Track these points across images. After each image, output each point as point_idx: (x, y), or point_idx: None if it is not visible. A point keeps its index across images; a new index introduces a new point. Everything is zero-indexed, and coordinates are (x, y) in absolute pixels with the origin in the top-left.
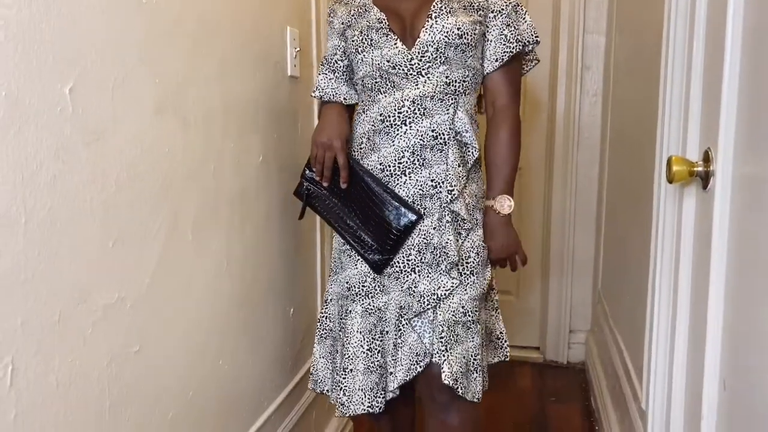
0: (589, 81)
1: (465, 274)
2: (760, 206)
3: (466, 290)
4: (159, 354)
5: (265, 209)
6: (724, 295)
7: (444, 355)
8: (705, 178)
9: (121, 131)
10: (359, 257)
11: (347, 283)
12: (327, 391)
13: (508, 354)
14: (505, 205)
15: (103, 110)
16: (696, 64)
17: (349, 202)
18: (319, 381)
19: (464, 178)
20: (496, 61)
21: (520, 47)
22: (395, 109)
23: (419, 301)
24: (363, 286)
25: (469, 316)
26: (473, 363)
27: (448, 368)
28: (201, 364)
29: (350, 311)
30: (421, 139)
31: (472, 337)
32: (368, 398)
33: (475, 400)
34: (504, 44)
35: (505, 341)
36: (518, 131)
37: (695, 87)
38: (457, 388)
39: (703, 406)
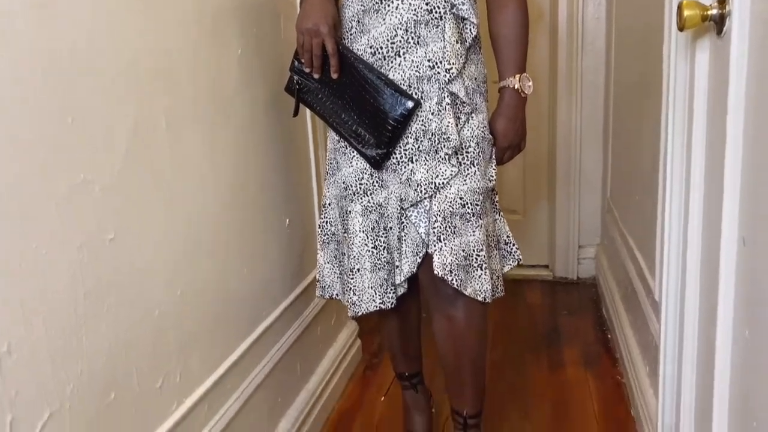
0: None
1: (464, 163)
2: None
3: (465, 181)
4: (138, 244)
5: (248, 109)
6: (743, 149)
7: (437, 246)
8: (720, 22)
9: (72, 9)
10: (354, 155)
11: (344, 183)
12: (336, 295)
13: (520, 257)
14: (526, 84)
15: None
16: None
17: (342, 94)
18: (327, 287)
19: (463, 56)
20: None
21: None
22: None
23: (416, 190)
24: (360, 183)
25: (469, 208)
26: (475, 259)
27: (440, 259)
28: (190, 262)
29: (350, 212)
30: (414, 14)
31: (473, 231)
32: (379, 295)
33: (479, 298)
34: None
35: (514, 245)
36: (526, 6)
37: None
38: (452, 281)
39: (720, 269)
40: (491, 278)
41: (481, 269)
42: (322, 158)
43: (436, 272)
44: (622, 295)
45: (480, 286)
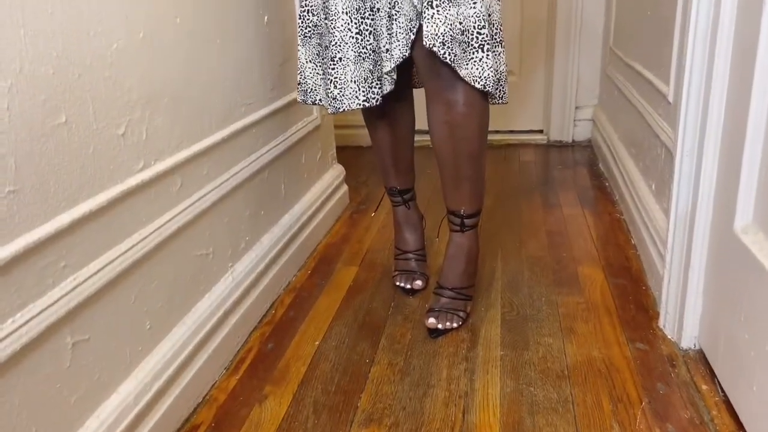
0: None
1: None
2: None
3: None
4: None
5: None
6: None
7: (428, 12)
8: None
9: None
10: None
11: None
12: (320, 101)
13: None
14: None
15: None
16: None
17: None
18: (309, 91)
19: None
20: None
21: None
22: None
23: None
24: None
25: None
26: (475, 37)
27: (431, 27)
28: (154, 12)
29: None
30: None
31: (474, 3)
32: (363, 90)
33: (477, 85)
34: None
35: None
36: None
37: None
38: (445, 54)
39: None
40: (496, 65)
41: (483, 51)
42: None
43: (425, 43)
44: (624, 136)
45: (480, 72)
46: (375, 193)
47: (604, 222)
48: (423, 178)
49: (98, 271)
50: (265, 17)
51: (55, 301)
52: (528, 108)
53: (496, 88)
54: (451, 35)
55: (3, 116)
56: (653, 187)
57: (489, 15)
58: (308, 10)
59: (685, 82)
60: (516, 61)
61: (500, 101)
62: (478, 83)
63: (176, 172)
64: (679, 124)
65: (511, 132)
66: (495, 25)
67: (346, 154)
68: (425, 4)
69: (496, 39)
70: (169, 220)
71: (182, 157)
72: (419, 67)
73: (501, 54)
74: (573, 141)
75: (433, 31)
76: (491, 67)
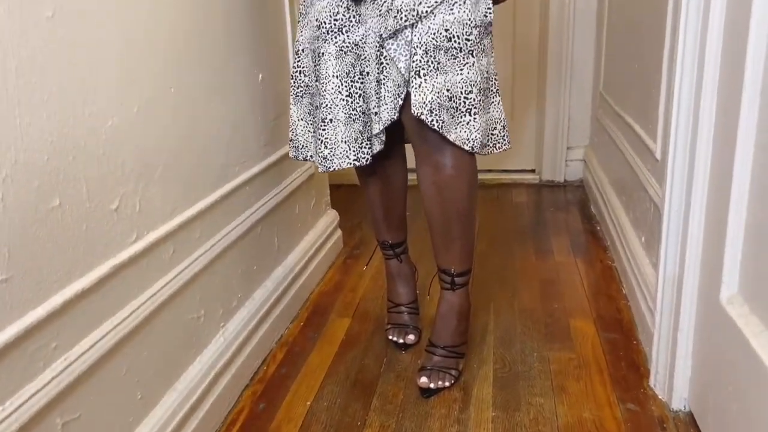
0: None
1: None
2: None
3: (452, 10)
4: (86, 37)
5: None
6: None
7: (416, 81)
8: None
9: None
10: None
11: (317, 19)
12: (311, 156)
13: (507, 143)
14: None
15: None
16: None
17: None
18: (300, 147)
19: None
20: None
21: None
22: None
23: (395, 17)
24: (335, 19)
25: (456, 42)
26: (463, 102)
27: (419, 96)
28: (147, 77)
29: (323, 53)
30: None
31: (460, 69)
32: (353, 150)
33: (465, 147)
34: None
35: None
36: None
37: None
38: (433, 121)
39: (745, 76)
40: (485, 127)
41: (470, 114)
42: (298, 6)
43: (413, 111)
44: (615, 182)
45: (468, 135)
46: (369, 236)
47: (596, 270)
48: (419, 218)
49: (89, 348)
50: (260, 75)
51: (46, 384)
52: (520, 148)
53: (490, 139)
54: (438, 103)
55: None
56: (643, 239)
57: (484, 73)
58: (300, 71)
59: (671, 144)
60: (508, 102)
61: (503, 147)
62: (467, 146)
63: (169, 239)
64: (665, 187)
65: (504, 171)
66: (490, 79)
67: (340, 192)
68: (412, 73)
69: (490, 95)
70: (161, 288)
71: (175, 224)
72: (408, 130)
73: (498, 104)
74: (565, 181)
75: (420, 100)
76: (479, 129)
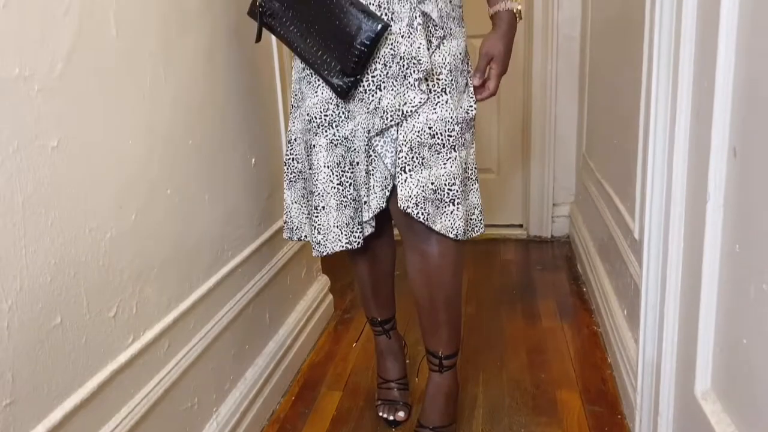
0: None
1: (435, 91)
2: None
3: (435, 109)
4: (86, 158)
5: (209, 33)
6: (735, 49)
7: (401, 177)
8: None
9: None
10: (320, 83)
11: (308, 114)
12: (305, 237)
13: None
14: (517, 7)
15: None
16: None
17: (306, 17)
18: (294, 228)
19: None
20: None
21: None
22: None
23: (382, 117)
24: (325, 115)
25: (439, 139)
26: (447, 193)
27: (405, 191)
28: (143, 185)
29: (314, 146)
30: None
31: (444, 164)
32: (345, 235)
33: (450, 235)
34: None
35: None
36: None
37: None
38: (418, 214)
39: (709, 185)
40: (466, 214)
41: (453, 204)
42: (290, 95)
43: (400, 205)
44: (598, 246)
45: (452, 223)
46: (359, 297)
47: (582, 336)
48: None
49: None
50: (252, 160)
51: None
52: (507, 203)
53: (470, 225)
54: (423, 196)
55: (2, 335)
56: (625, 312)
57: (464, 164)
58: (293, 158)
59: (646, 232)
60: (494, 160)
61: (479, 231)
62: (451, 233)
63: (164, 335)
64: (642, 274)
65: (493, 226)
66: (469, 168)
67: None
68: (398, 169)
69: (469, 183)
70: (157, 385)
71: (170, 319)
72: (395, 220)
73: (476, 191)
74: (552, 236)
75: (407, 194)
76: (461, 217)
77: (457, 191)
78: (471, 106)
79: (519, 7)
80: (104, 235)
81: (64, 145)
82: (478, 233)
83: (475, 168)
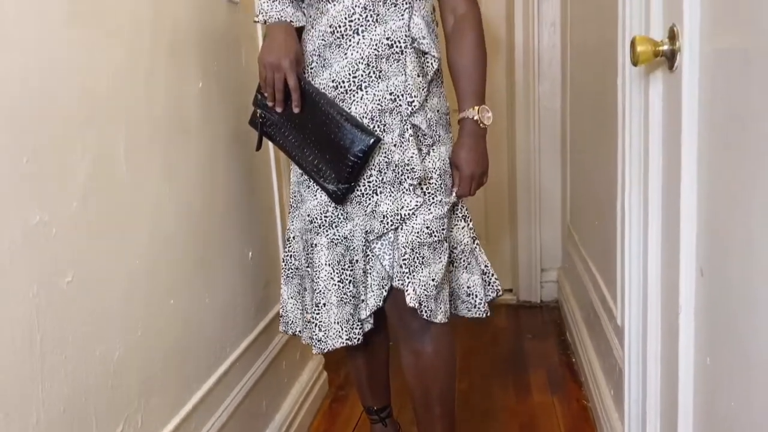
0: (546, 10)
1: (429, 193)
2: (730, 82)
3: (430, 210)
4: (97, 286)
5: (210, 143)
6: (697, 179)
7: (407, 278)
8: (671, 58)
9: (22, 41)
10: (318, 188)
11: (309, 215)
12: (300, 331)
13: (499, 287)
14: (485, 116)
15: None
16: None
17: (304, 129)
18: (290, 323)
19: (425, 89)
20: None
21: None
22: (345, 18)
23: (382, 222)
24: (325, 216)
25: (435, 236)
26: (441, 283)
27: (413, 291)
28: (149, 300)
29: (315, 244)
30: (375, 49)
31: (440, 258)
32: (345, 331)
33: (445, 320)
34: None
35: (493, 274)
36: (483, 38)
37: None
38: (422, 311)
39: (680, 298)
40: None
41: (445, 290)
42: (285, 191)
43: (410, 304)
44: (585, 319)
45: (447, 307)
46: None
47: (572, 411)
48: None
49: None
50: (250, 254)
51: None
52: (497, 269)
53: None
54: (426, 295)
55: None
56: (612, 392)
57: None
58: (291, 255)
59: (626, 328)
60: (482, 226)
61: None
62: (445, 318)
63: None
64: (624, 369)
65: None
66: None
67: None
68: (403, 271)
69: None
70: None
71: (173, 425)
72: (390, 318)
73: (473, 267)
74: (541, 301)
75: (412, 294)
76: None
77: (445, 276)
78: (452, 199)
79: (479, 116)
80: (113, 355)
81: (77, 279)
82: (495, 297)
83: (477, 244)
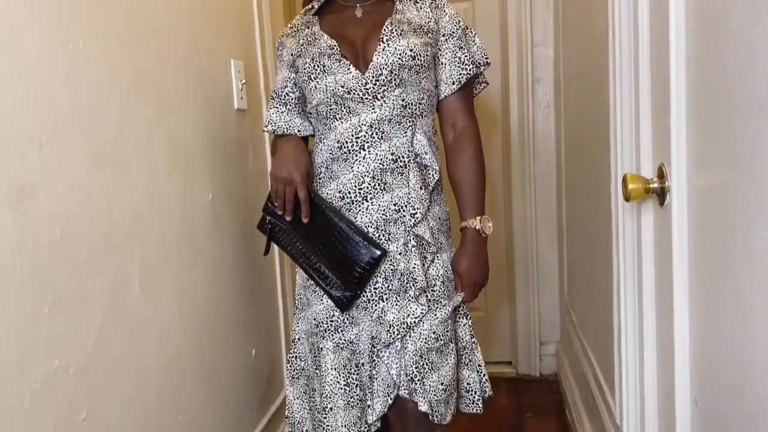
0: (540, 93)
1: (433, 300)
2: (717, 218)
3: (435, 315)
4: (109, 416)
5: (218, 249)
6: (689, 311)
7: (418, 385)
8: (661, 195)
9: (52, 188)
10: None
11: (315, 319)
12: (306, 431)
13: (490, 389)
14: (486, 225)
15: (29, 167)
16: (643, 82)
17: (312, 237)
18: (297, 423)
19: (427, 200)
20: (454, 84)
21: (475, 69)
22: (353, 135)
23: (389, 331)
24: (331, 321)
25: (441, 339)
26: (450, 384)
27: (423, 398)
28: (158, 419)
29: (322, 348)
30: (380, 163)
31: (447, 360)
32: None
33: (451, 419)
34: (459, 67)
35: (485, 373)
36: (482, 151)
37: (644, 104)
38: (433, 416)
39: (676, 425)
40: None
41: (454, 393)
42: (289, 291)
43: (422, 409)
44: (584, 400)
45: (454, 407)
46: None
47: None
48: None
49: None
50: (253, 352)
51: None
52: (496, 341)
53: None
54: (436, 399)
55: None
56: None
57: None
58: (296, 356)
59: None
60: (481, 299)
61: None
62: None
63: None
64: None
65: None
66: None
67: None
68: (415, 379)
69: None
70: None
71: None
72: (393, 425)
73: (473, 363)
74: (540, 375)
75: (422, 401)
76: (455, 403)
77: (454, 376)
78: (456, 301)
79: (481, 226)
80: None
81: (91, 415)
82: (488, 395)
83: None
